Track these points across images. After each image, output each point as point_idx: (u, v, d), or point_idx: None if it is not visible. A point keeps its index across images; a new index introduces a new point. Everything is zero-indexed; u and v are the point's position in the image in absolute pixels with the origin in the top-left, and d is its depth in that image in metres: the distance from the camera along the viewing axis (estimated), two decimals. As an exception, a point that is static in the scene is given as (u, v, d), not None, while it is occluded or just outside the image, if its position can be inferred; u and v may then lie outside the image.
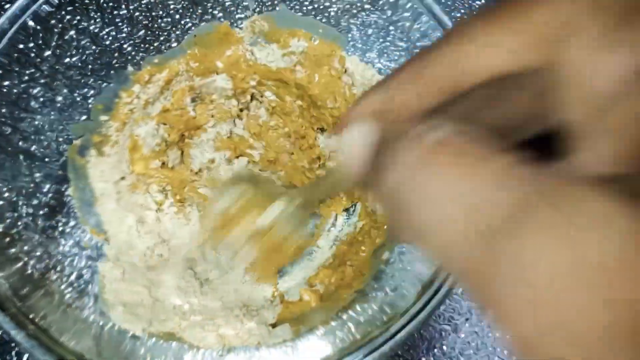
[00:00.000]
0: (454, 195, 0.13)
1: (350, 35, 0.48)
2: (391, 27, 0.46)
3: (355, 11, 0.48)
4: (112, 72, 0.46)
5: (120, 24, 0.46)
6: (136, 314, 0.40)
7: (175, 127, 0.45)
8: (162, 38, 0.47)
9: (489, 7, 0.16)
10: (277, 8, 0.47)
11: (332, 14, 0.48)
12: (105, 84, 0.46)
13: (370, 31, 0.47)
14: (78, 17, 0.44)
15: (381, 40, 0.47)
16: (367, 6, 0.46)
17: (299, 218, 0.29)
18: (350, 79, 0.48)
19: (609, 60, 0.13)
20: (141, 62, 0.46)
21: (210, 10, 0.47)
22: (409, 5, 0.42)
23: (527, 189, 0.12)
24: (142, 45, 0.47)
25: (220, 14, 0.48)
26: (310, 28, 0.48)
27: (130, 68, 0.46)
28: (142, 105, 0.46)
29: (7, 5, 0.42)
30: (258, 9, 0.48)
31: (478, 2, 0.60)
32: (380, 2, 0.44)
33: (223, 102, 0.46)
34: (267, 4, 0.48)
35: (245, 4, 0.47)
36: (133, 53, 0.46)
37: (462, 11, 0.59)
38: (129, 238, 0.43)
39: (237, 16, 0.48)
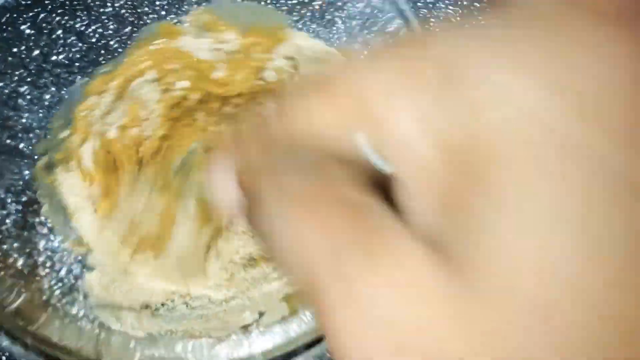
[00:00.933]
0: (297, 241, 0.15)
1: (334, 28, 0.48)
2: (378, 16, 0.46)
3: (340, 3, 0.48)
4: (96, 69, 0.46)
5: (106, 21, 0.46)
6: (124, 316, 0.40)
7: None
8: (148, 34, 0.47)
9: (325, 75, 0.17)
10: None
11: (317, 7, 0.48)
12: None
13: (354, 22, 0.47)
14: (67, 17, 0.45)
15: (366, 31, 0.47)
16: None
17: None
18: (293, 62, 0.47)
19: (430, 126, 0.14)
20: (92, 74, 0.45)
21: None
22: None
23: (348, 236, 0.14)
24: (128, 42, 0.47)
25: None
26: (254, 15, 0.47)
27: (80, 80, 0.45)
28: (100, 116, 0.45)
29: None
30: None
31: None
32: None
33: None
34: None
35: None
36: (120, 50, 0.47)
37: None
38: (111, 247, 0.43)
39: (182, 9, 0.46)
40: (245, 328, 0.39)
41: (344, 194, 0.15)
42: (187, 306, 0.41)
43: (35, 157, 0.43)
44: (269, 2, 0.46)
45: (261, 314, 0.40)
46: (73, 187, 0.43)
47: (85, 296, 0.40)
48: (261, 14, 0.46)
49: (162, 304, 0.41)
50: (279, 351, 0.35)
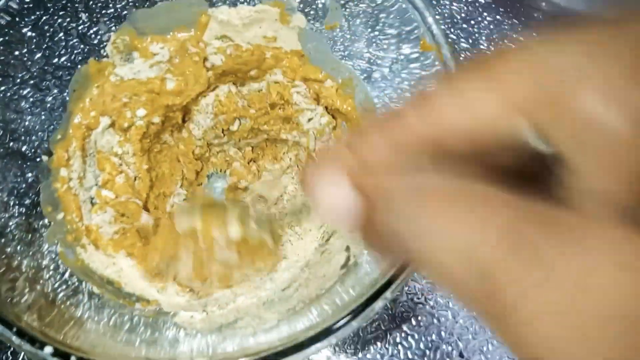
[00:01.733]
0: (453, 240, 0.14)
1: (339, 26, 0.48)
2: (382, 15, 0.45)
3: (343, 2, 0.47)
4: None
5: (108, 22, 0.46)
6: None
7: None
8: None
9: (474, 63, 0.17)
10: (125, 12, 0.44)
11: (320, 6, 0.48)
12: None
13: (358, 21, 0.47)
14: (68, 19, 0.44)
15: (369, 30, 0.47)
16: None
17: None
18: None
19: (625, 101, 0.14)
20: (47, 147, 0.43)
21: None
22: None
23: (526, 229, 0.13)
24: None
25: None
26: (170, 13, 0.45)
27: (44, 158, 0.43)
28: (78, 184, 0.44)
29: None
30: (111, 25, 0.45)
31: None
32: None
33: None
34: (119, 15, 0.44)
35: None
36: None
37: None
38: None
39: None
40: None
41: (495, 192, 0.14)
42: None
43: (38, 159, 0.43)
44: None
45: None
46: (102, 262, 0.42)
47: (90, 296, 0.39)
48: (176, 9, 0.44)
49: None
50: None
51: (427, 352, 0.44)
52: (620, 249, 0.12)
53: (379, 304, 0.26)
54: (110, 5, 0.45)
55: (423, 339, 0.44)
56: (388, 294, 0.26)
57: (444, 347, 0.44)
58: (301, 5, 0.47)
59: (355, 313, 0.27)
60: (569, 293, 0.11)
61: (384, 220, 0.16)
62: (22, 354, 0.44)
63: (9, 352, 0.44)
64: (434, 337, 0.44)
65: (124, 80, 0.44)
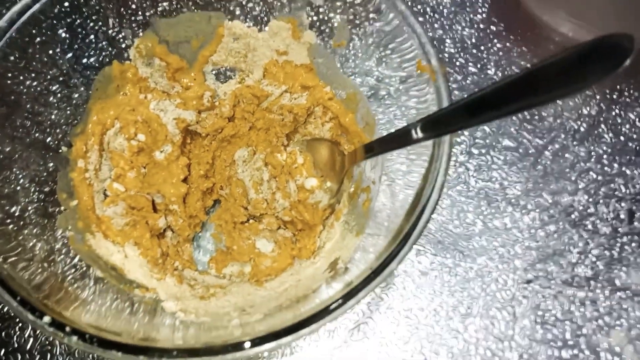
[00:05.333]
0: None
1: (351, 44, 0.50)
2: (390, 36, 0.46)
3: (358, 21, 0.49)
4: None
5: (135, 28, 0.49)
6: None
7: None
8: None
9: None
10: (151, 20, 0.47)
11: (335, 24, 0.50)
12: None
13: (370, 40, 0.49)
14: (100, 23, 0.48)
15: (381, 48, 0.48)
16: (372, 15, 0.47)
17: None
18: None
19: None
20: (68, 139, 0.46)
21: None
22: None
23: None
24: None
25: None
26: (190, 22, 0.48)
27: (64, 149, 0.46)
28: (94, 175, 0.46)
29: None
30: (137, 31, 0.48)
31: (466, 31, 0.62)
32: (387, 13, 0.44)
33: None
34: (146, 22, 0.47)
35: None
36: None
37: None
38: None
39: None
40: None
41: None
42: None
43: (60, 150, 0.46)
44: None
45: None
46: (108, 248, 0.44)
47: (96, 281, 0.42)
48: (197, 20, 0.47)
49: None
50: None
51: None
52: None
53: (352, 302, 0.28)
54: (139, 12, 0.48)
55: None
56: (362, 294, 0.28)
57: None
58: (316, 24, 0.50)
59: (332, 309, 0.29)
60: None
61: None
62: (29, 329, 0.47)
63: (17, 328, 0.47)
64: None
65: (150, 111, 0.48)
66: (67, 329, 0.30)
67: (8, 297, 0.32)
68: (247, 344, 0.29)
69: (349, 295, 0.29)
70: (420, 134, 0.34)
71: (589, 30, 0.60)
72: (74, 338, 0.30)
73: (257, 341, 0.29)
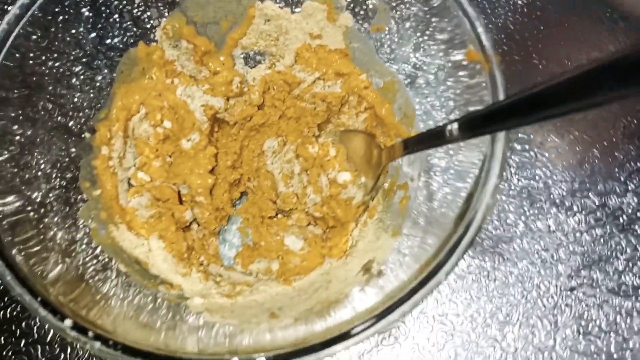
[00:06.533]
0: None
1: (387, 28, 0.47)
2: (434, 19, 0.43)
3: (395, 4, 0.46)
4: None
5: (162, 8, 0.47)
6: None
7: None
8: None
9: None
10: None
11: (371, 6, 0.47)
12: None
13: (407, 24, 0.46)
14: (124, 1, 0.45)
15: (419, 34, 0.45)
16: None
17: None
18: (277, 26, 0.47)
19: None
20: (92, 125, 0.45)
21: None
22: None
23: None
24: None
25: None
26: (218, 5, 0.45)
27: (87, 134, 0.44)
28: (118, 163, 0.44)
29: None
30: (164, 11, 0.45)
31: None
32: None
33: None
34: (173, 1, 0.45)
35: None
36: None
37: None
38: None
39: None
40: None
41: None
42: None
43: (83, 135, 0.44)
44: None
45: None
46: (131, 241, 0.43)
47: (118, 273, 0.40)
48: (226, 1, 0.44)
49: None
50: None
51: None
52: None
53: (395, 315, 0.26)
54: (166, -9, 0.46)
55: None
56: (407, 307, 0.26)
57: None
58: (351, 5, 0.46)
59: (375, 320, 0.26)
60: None
61: None
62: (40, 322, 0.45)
63: (37, 319, 0.46)
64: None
65: (177, 96, 0.45)
66: (90, 333, 0.28)
67: (29, 298, 0.30)
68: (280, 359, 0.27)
69: (390, 309, 0.27)
70: (464, 132, 0.31)
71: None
72: (97, 344, 0.28)
73: (289, 355, 0.26)
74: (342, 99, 0.47)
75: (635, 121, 0.53)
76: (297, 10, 0.46)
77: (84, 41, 0.44)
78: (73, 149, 0.44)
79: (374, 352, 0.44)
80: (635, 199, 0.50)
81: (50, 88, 0.42)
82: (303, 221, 0.46)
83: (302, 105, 0.48)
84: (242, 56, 0.49)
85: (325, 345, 0.26)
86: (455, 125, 0.32)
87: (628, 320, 0.46)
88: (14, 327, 0.46)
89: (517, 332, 0.45)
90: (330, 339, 0.26)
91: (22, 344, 0.45)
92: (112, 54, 0.46)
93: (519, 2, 0.59)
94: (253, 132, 0.48)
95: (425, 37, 0.44)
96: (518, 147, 0.52)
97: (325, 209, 0.44)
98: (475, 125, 0.31)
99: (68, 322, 0.29)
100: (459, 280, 0.47)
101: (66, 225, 0.41)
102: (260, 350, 0.28)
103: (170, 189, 0.43)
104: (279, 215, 0.48)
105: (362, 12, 0.47)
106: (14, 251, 0.34)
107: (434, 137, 0.35)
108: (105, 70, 0.46)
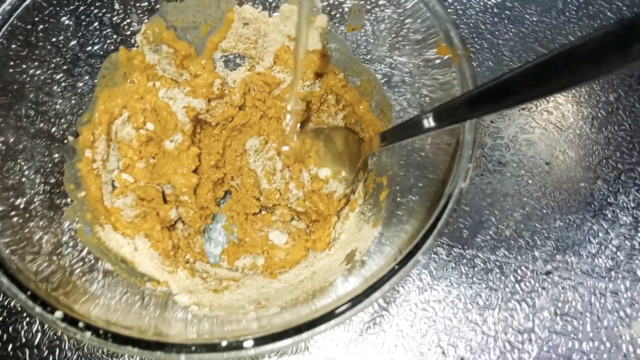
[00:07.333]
0: None
1: (363, 30, 0.48)
2: (407, 20, 0.45)
3: (369, 7, 0.48)
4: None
5: (141, 15, 0.47)
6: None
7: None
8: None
9: None
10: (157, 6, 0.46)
11: (346, 9, 0.48)
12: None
13: (382, 26, 0.47)
14: (104, 10, 0.46)
15: (393, 35, 0.47)
16: (381, 1, 0.46)
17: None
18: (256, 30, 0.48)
19: None
20: (75, 129, 0.45)
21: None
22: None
23: None
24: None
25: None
26: (199, 7, 0.46)
27: (70, 138, 0.44)
28: (102, 166, 0.45)
29: None
30: (143, 17, 0.46)
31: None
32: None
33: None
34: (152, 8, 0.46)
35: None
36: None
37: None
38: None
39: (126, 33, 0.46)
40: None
41: None
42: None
43: (65, 141, 0.44)
44: None
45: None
46: (117, 241, 0.43)
47: (105, 274, 0.40)
48: (205, 5, 0.45)
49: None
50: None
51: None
52: None
53: (376, 295, 0.27)
54: (145, -3, 0.46)
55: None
56: (386, 287, 0.27)
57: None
58: (327, 8, 0.48)
59: (358, 300, 0.28)
60: None
61: None
62: (37, 324, 0.45)
63: (24, 323, 0.46)
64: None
65: (159, 99, 0.46)
66: (81, 324, 0.29)
67: (17, 291, 0.31)
68: (268, 339, 0.28)
69: (372, 288, 0.28)
70: (438, 122, 0.33)
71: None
72: (88, 334, 0.28)
73: (276, 336, 0.27)
74: (321, 97, 0.48)
75: (603, 113, 0.56)
76: (275, 13, 0.48)
77: (65, 49, 0.45)
78: (56, 155, 0.44)
79: (359, 340, 0.45)
80: (605, 186, 0.52)
81: (32, 96, 0.42)
82: (287, 216, 0.47)
83: (282, 105, 0.49)
84: (222, 59, 0.50)
85: (310, 326, 0.27)
86: (430, 116, 0.33)
87: (602, 300, 0.48)
88: (1, 332, 0.46)
89: (497, 315, 0.47)
90: (314, 318, 0.27)
91: (9, 348, 0.45)
92: (93, 60, 0.46)
93: (489, 2, 0.61)
94: (235, 132, 0.49)
95: (400, 38, 0.46)
96: (490, 139, 0.54)
97: (308, 204, 0.45)
98: (448, 114, 0.32)
99: (59, 314, 0.29)
100: (440, 268, 0.48)
101: (52, 229, 0.41)
102: (248, 335, 0.29)
103: (155, 189, 0.44)
104: (263, 212, 0.49)
105: (337, 15, 0.48)
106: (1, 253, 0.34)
107: (411, 128, 0.37)
108: (87, 77, 0.46)
